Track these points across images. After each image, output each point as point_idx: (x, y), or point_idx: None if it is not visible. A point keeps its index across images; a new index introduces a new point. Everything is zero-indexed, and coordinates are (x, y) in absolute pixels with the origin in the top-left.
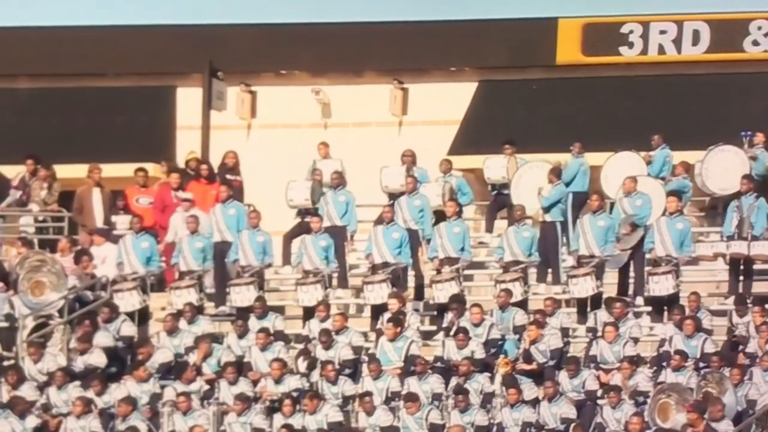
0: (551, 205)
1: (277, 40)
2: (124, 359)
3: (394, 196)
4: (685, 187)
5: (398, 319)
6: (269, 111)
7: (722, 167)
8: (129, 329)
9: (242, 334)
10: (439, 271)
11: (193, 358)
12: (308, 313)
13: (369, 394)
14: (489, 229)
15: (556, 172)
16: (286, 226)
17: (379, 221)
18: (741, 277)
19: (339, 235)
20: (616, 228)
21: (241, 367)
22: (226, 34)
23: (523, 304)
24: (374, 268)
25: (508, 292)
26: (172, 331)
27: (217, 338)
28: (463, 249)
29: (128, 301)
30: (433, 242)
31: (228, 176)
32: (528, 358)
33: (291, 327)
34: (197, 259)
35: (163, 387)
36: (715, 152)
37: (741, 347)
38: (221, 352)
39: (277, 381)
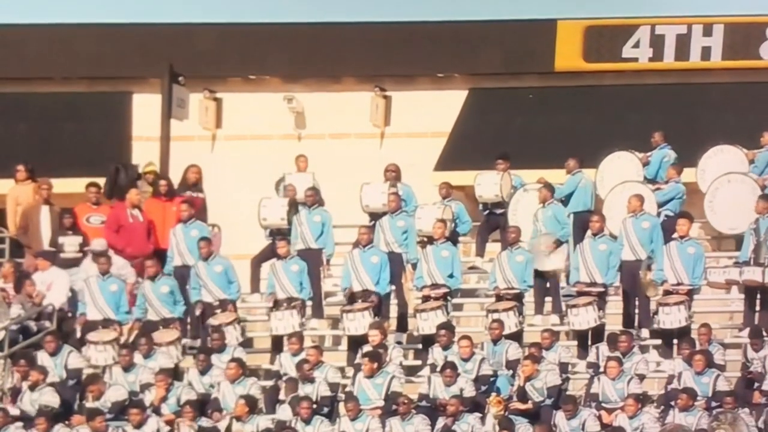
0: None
1: (246, 41)
2: (70, 398)
3: (375, 216)
4: (678, 192)
5: (375, 354)
6: (236, 120)
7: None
8: (77, 361)
9: (205, 370)
10: (424, 300)
11: (149, 397)
12: (277, 345)
13: None
14: (480, 253)
15: (547, 189)
16: (254, 248)
17: (356, 244)
18: (757, 308)
19: (314, 260)
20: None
21: (202, 407)
22: (187, 35)
23: (517, 337)
24: (353, 297)
25: (501, 323)
26: (127, 366)
27: (176, 374)
28: (451, 275)
29: None
30: (419, 268)
31: (190, 193)
32: (523, 396)
33: (260, 361)
34: (167, 305)
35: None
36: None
37: (756, 384)
38: (181, 390)
39: (241, 420)
